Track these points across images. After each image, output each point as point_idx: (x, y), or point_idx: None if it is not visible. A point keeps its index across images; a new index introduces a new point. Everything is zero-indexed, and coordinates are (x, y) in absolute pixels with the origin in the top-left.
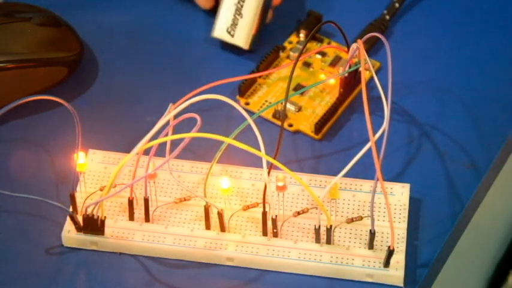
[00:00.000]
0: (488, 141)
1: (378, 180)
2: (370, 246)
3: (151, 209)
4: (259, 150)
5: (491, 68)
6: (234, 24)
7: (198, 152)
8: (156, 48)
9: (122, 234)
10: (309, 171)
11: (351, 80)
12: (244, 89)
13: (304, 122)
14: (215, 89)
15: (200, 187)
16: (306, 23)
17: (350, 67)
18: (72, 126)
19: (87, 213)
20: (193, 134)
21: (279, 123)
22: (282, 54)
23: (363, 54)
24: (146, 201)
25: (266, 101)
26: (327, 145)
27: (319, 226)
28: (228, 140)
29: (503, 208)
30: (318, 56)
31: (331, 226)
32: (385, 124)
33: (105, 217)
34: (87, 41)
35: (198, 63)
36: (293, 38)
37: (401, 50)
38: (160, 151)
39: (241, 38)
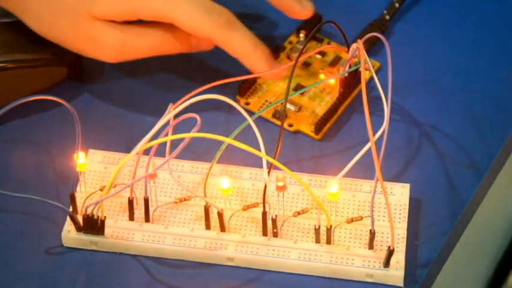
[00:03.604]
0: (488, 141)
1: (377, 180)
2: (370, 246)
3: (151, 209)
4: (259, 150)
5: (491, 68)
6: None
7: (198, 152)
8: None
9: (122, 234)
10: (309, 171)
11: (351, 80)
12: (244, 89)
13: (304, 122)
14: (215, 89)
15: (200, 187)
16: (306, 23)
17: (350, 67)
18: (72, 126)
19: (87, 213)
20: (193, 134)
21: (279, 123)
22: (282, 54)
23: (363, 54)
24: (146, 201)
25: (266, 101)
26: (327, 145)
27: (319, 226)
28: (228, 140)
29: (503, 208)
30: (318, 56)
31: (331, 226)
32: (385, 124)
33: (105, 217)
34: None
35: (198, 63)
36: (293, 38)
37: (401, 50)
38: (160, 151)
39: None
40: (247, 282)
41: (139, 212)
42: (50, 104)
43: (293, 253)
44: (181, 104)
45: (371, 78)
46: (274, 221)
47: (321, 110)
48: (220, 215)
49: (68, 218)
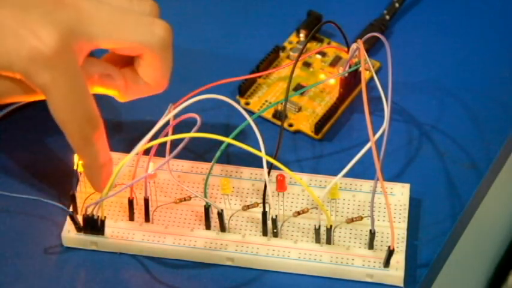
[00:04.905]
0: (488, 141)
1: (378, 180)
2: (370, 246)
3: (151, 209)
4: (259, 150)
5: (491, 68)
6: None
7: (198, 152)
8: None
9: (122, 234)
10: (309, 171)
11: (351, 80)
12: (244, 89)
13: (304, 122)
14: (215, 89)
15: (200, 187)
16: (306, 23)
17: (350, 67)
18: None
19: (87, 213)
20: (193, 134)
21: (279, 123)
22: (282, 54)
23: (363, 54)
24: (146, 201)
25: (266, 101)
26: (327, 145)
27: (319, 226)
28: (228, 140)
29: (503, 208)
30: (318, 56)
31: (331, 226)
32: (385, 124)
33: (105, 217)
34: None
35: (198, 63)
36: (293, 38)
37: (401, 50)
38: (161, 151)
39: None
40: (247, 282)
41: (139, 212)
42: None
43: (293, 253)
44: (181, 104)
45: (371, 78)
46: (274, 221)
47: (321, 110)
48: (220, 215)
49: (68, 218)
